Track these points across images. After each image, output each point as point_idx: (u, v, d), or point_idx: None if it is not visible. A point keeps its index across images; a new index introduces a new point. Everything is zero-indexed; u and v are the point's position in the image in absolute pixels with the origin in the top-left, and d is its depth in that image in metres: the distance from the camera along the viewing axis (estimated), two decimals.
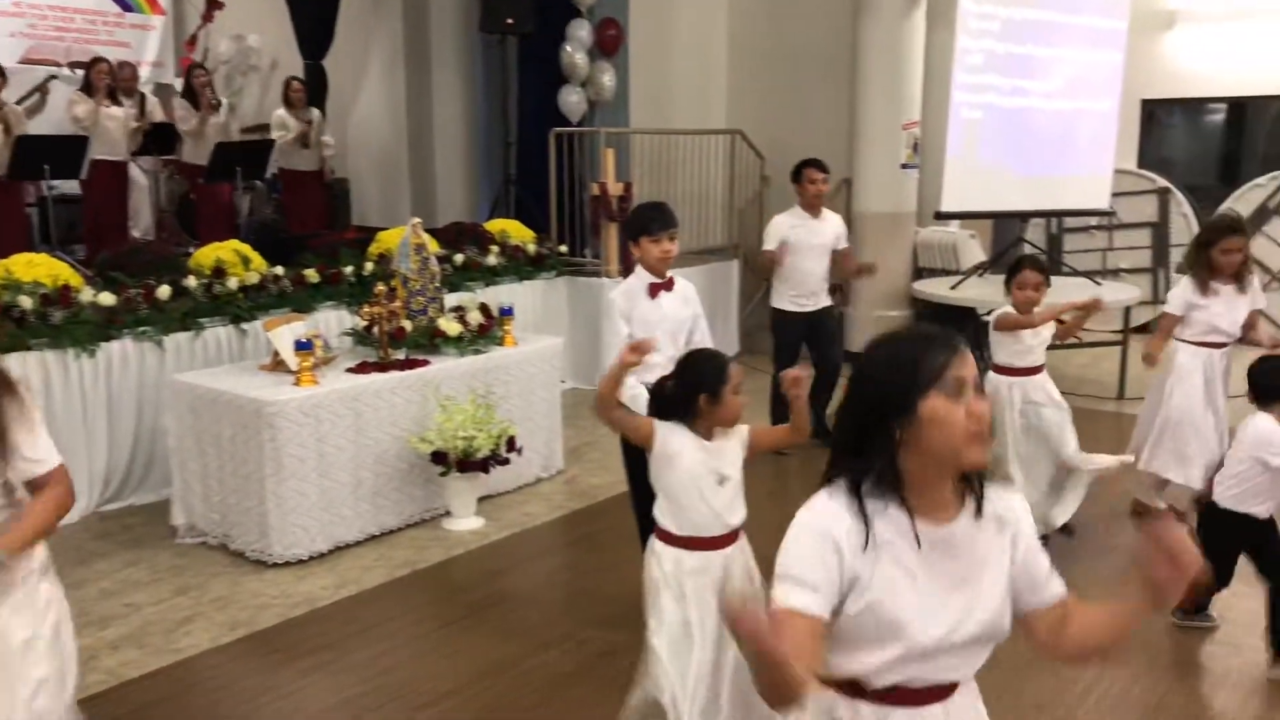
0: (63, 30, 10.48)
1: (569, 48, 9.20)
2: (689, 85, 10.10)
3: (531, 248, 7.49)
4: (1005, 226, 9.43)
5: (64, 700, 2.49)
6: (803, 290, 6.13)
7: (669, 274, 4.09)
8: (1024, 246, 8.92)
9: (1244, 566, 3.77)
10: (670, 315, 4.04)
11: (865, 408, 1.71)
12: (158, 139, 9.08)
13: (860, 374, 1.75)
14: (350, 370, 5.11)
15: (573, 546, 5.19)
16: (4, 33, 9.97)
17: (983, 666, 1.78)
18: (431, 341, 5.43)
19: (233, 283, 5.80)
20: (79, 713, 2.62)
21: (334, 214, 10.03)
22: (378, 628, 4.16)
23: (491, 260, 7.10)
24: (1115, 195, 9.05)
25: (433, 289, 5.59)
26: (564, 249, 7.85)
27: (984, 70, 7.93)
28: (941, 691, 1.75)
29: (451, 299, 6.16)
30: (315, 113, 9.43)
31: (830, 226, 6.22)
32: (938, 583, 1.70)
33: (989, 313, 8.49)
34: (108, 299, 5.37)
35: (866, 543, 1.66)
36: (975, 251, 8.75)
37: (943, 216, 8.10)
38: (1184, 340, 4.95)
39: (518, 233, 7.55)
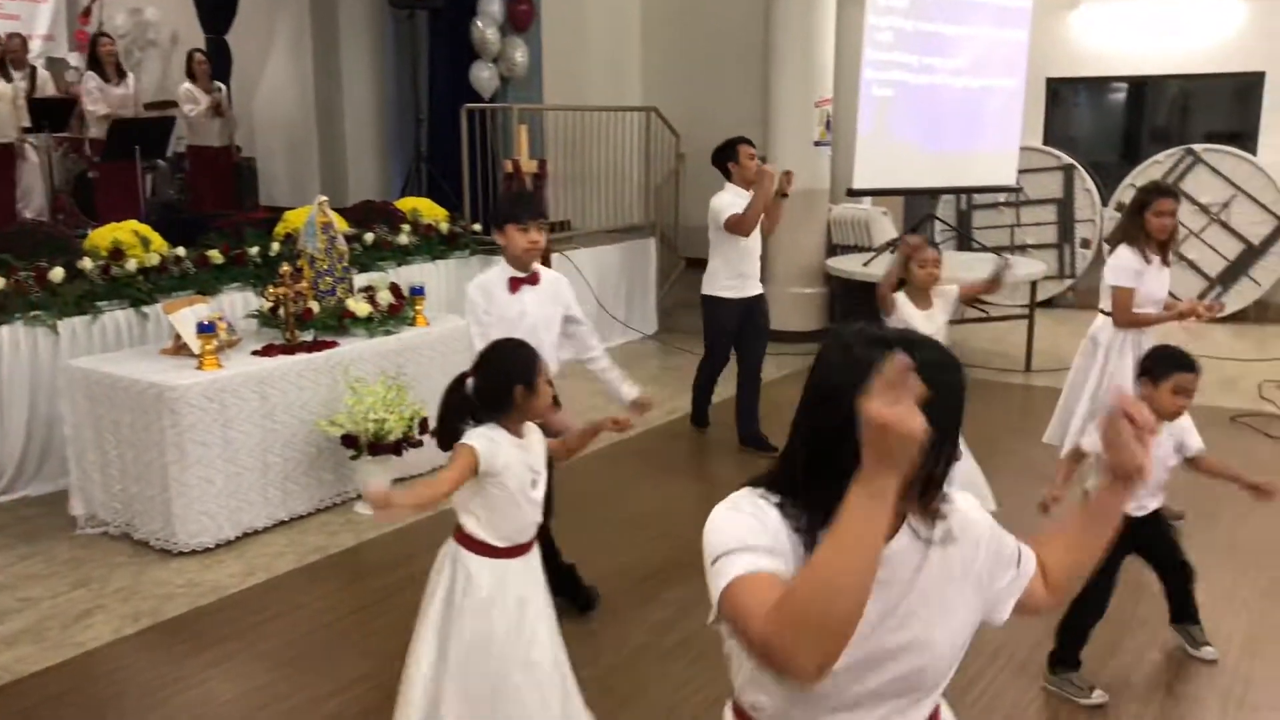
0: None
1: (480, 23, 9.08)
2: (603, 61, 10.04)
3: (444, 226, 7.38)
4: (916, 203, 9.58)
5: None
6: (742, 272, 5.80)
7: (537, 269, 3.84)
8: (934, 223, 9.08)
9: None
10: (532, 313, 3.76)
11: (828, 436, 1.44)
12: (50, 115, 8.73)
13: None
14: (256, 353, 4.98)
15: None
16: None
17: None
18: (340, 322, 5.32)
19: (131, 265, 5.61)
20: None
21: (241, 194, 9.78)
22: (288, 615, 4.07)
23: (403, 239, 6.98)
24: (1022, 172, 9.26)
25: (340, 269, 5.48)
26: (478, 228, 7.75)
27: (893, 48, 8.02)
28: None
29: (361, 279, 6.04)
30: (221, 87, 9.16)
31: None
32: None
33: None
34: None
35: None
36: (887, 228, 8.88)
37: (855, 193, 8.19)
38: (1108, 313, 4.83)
39: (430, 211, 7.43)
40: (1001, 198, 9.95)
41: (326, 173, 9.90)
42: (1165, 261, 4.77)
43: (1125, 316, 4.77)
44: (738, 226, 5.64)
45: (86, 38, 9.90)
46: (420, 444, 5.13)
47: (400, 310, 5.53)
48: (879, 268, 7.88)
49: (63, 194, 9.07)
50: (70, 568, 4.50)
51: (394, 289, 5.63)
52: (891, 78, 8.07)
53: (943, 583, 1.54)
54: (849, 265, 8.11)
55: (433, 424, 5.07)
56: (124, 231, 5.76)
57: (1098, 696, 3.41)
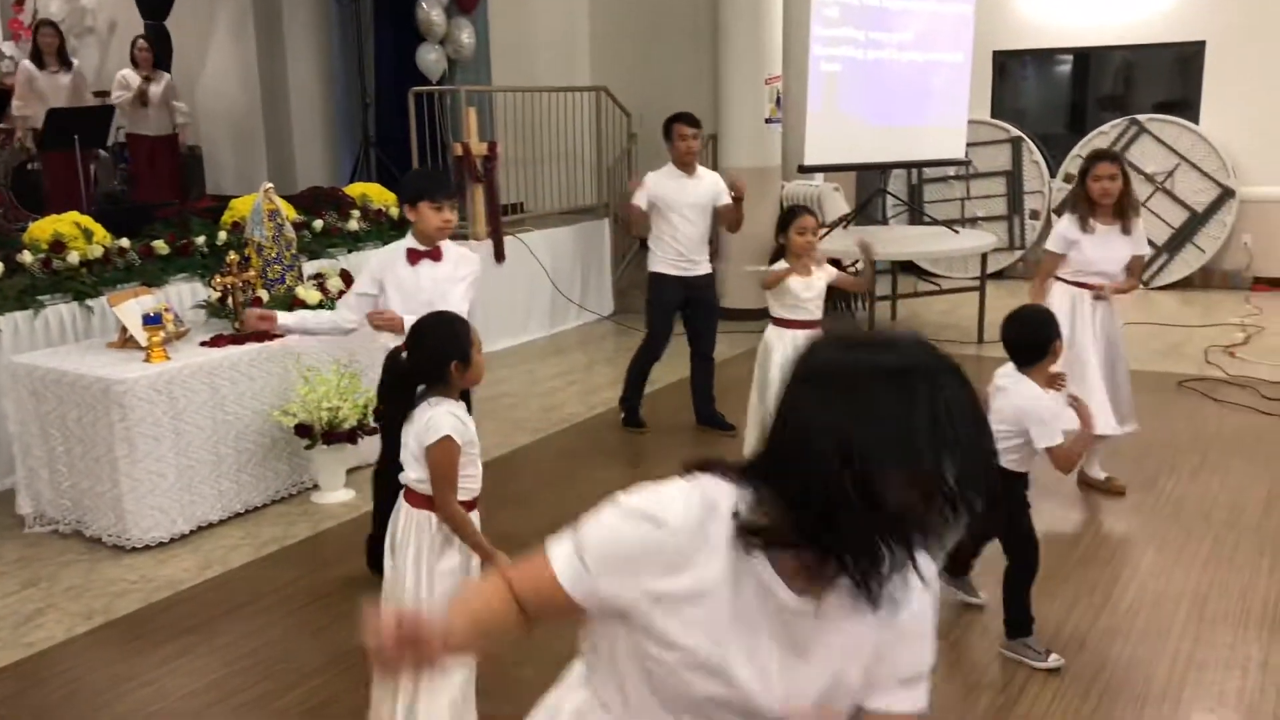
0: None
1: (425, 4, 8.97)
2: (551, 42, 9.97)
3: (395, 211, 7.29)
4: (867, 178, 9.64)
5: None
6: (678, 253, 5.76)
7: (440, 244, 3.93)
8: (885, 197, 9.14)
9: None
10: (428, 288, 3.82)
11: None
12: None
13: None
14: (204, 344, 4.91)
15: None
16: None
17: None
18: (290, 311, 5.25)
19: (74, 257, 5.50)
20: None
21: (187, 183, 9.61)
22: (245, 607, 4.03)
23: (353, 225, 6.90)
24: (971, 145, 9.34)
25: (289, 256, 5.40)
26: None
27: (840, 23, 8.05)
28: None
29: (312, 266, 5.98)
30: (165, 75, 8.98)
31: (706, 185, 5.83)
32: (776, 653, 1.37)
33: (854, 263, 8.72)
34: None
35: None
36: (839, 203, 8.91)
37: (806, 170, 8.22)
38: (1060, 279, 4.81)
39: (379, 196, 7.34)
40: (951, 171, 10.03)
41: (273, 160, 9.75)
42: (1125, 229, 4.69)
43: (1040, 277, 4.87)
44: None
45: (20, 26, 9.66)
46: (375, 431, 5.08)
47: None
48: (832, 244, 7.92)
49: (1, 187, 8.87)
50: (19, 567, 4.42)
51: (345, 276, 5.57)
52: (839, 54, 8.09)
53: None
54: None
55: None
56: (65, 224, 5.64)
57: (1053, 660, 3.46)
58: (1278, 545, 4.29)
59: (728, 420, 5.80)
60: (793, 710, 1.36)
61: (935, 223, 9.08)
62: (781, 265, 4.68)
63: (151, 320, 4.62)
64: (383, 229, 7.10)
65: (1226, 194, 9.28)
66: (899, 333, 1.31)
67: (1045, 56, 10.43)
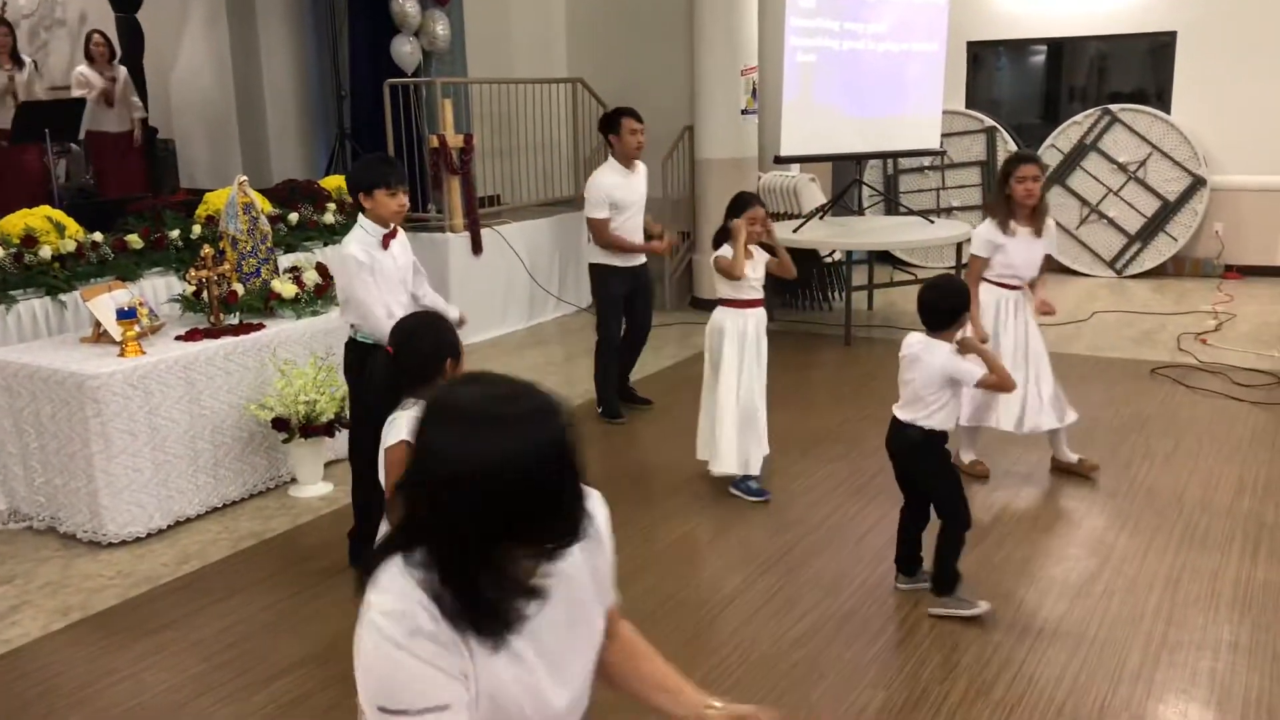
0: None
1: None
2: (527, 33, 9.94)
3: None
4: (843, 168, 9.67)
5: None
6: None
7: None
8: (861, 188, 9.17)
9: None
10: (401, 265, 4.03)
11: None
12: None
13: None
14: (180, 338, 4.89)
15: None
16: None
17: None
18: (266, 305, 5.23)
19: (46, 252, 5.45)
20: None
21: (159, 177, 9.52)
22: (223, 602, 4.02)
23: (329, 218, 6.87)
24: (945, 135, 9.39)
25: (264, 250, 5.38)
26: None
27: (816, 14, 8.06)
28: None
29: (288, 260, 5.95)
30: (122, 70, 8.89)
31: (643, 177, 5.90)
32: (552, 638, 1.41)
33: (831, 254, 8.75)
34: None
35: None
36: (816, 194, 8.94)
37: (782, 161, 8.23)
38: (985, 279, 4.94)
39: None
40: (926, 161, 10.08)
41: (248, 153, 9.66)
42: (1037, 233, 4.83)
43: (971, 283, 4.83)
44: (596, 234, 5.80)
45: None
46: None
47: (327, 290, 5.45)
48: (809, 234, 7.95)
49: None
50: None
51: (320, 269, 5.54)
52: (815, 44, 8.11)
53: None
54: (779, 232, 8.11)
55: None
56: (36, 218, 5.59)
57: (983, 605, 3.64)
58: (1248, 529, 4.35)
59: (641, 395, 6.25)
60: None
61: (911, 213, 9.12)
62: (727, 250, 4.77)
63: (126, 314, 4.59)
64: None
65: (1198, 183, 9.36)
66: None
67: (1019, 47, 10.49)
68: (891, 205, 9.90)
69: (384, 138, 8.02)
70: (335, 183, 7.33)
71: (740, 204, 4.77)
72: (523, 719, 1.36)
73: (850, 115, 8.35)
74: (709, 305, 5.13)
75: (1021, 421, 4.93)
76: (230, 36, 9.60)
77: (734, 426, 4.76)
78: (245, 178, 5.43)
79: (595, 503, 1.51)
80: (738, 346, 4.77)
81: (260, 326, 5.08)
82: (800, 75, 8.04)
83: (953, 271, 8.15)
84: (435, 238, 7.78)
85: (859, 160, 8.93)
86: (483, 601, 1.29)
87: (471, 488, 1.24)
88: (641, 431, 5.91)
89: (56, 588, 4.17)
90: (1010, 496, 4.81)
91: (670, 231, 6.16)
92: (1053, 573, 4.03)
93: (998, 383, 3.68)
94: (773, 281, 5.16)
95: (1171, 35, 9.51)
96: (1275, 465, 5.03)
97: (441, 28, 8.86)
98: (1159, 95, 9.70)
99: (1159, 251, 9.56)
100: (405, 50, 8.80)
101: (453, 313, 3.97)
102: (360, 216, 3.97)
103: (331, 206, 6.96)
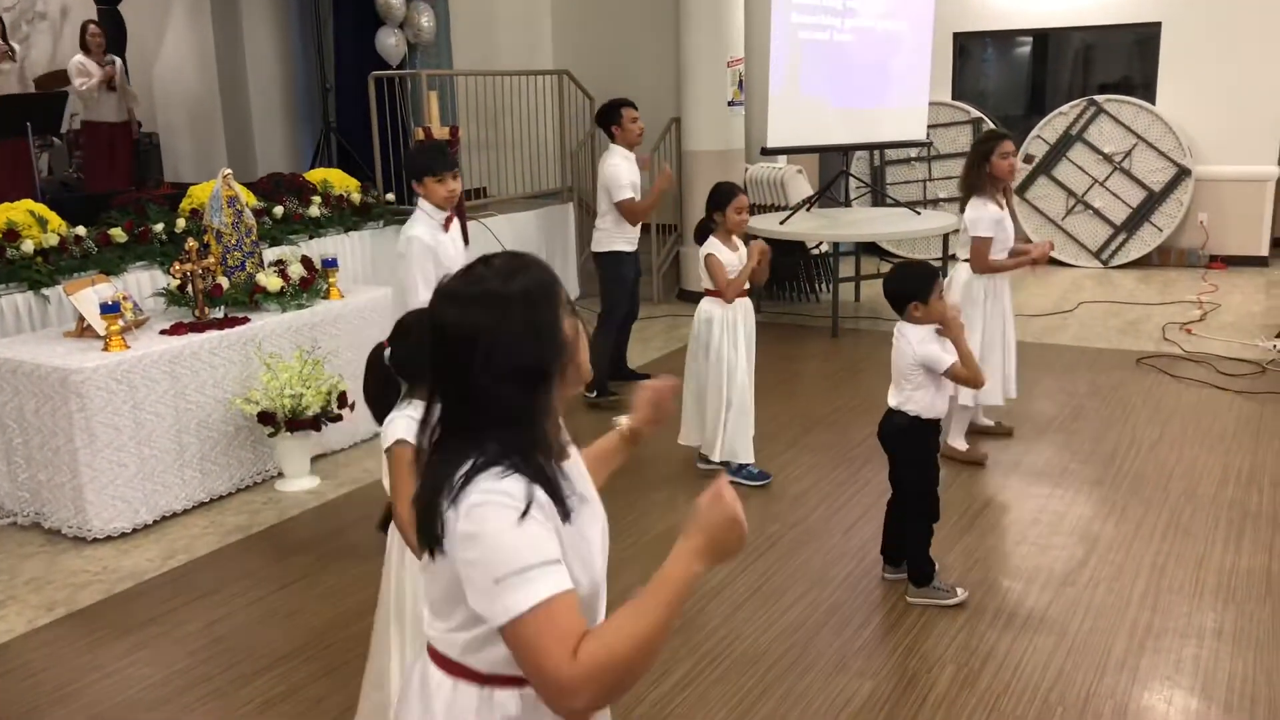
0: None
1: None
2: (513, 25, 9.91)
3: (356, 197, 7.24)
4: (830, 160, 9.68)
5: None
6: (633, 230, 6.17)
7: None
8: (847, 179, 9.17)
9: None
10: (458, 250, 4.22)
11: (517, 364, 1.47)
12: None
13: (495, 329, 1.47)
14: (164, 332, 4.86)
15: None
16: None
17: None
18: (251, 298, 5.21)
19: (28, 246, 5.41)
20: None
21: (144, 171, 9.46)
22: (209, 596, 4.01)
23: (314, 212, 6.83)
24: (932, 126, 9.40)
25: (249, 243, 5.35)
26: (391, 197, 7.62)
27: (802, 6, 8.05)
28: None
29: (273, 253, 5.92)
30: (117, 60, 8.83)
31: (636, 163, 6.23)
32: (590, 526, 1.59)
33: (818, 245, 8.75)
34: None
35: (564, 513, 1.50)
36: (802, 186, 8.94)
37: (768, 152, 8.22)
38: (969, 261, 4.99)
39: (340, 182, 7.28)
40: (913, 152, 10.09)
41: (233, 146, 9.62)
42: (1011, 206, 5.02)
43: (983, 264, 4.98)
44: (630, 215, 6.03)
45: None
46: (339, 418, 5.07)
47: (313, 283, 5.43)
48: (796, 226, 7.95)
49: None
50: None
51: (305, 262, 5.52)
52: (801, 36, 8.10)
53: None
54: (766, 224, 8.15)
55: (352, 398, 5.05)
56: (18, 212, 5.54)
57: (961, 594, 3.70)
58: (1233, 517, 4.38)
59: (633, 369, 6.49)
60: None
61: (897, 204, 9.14)
62: (722, 253, 4.79)
63: (110, 308, 4.56)
64: (344, 215, 7.05)
65: (1183, 173, 9.39)
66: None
67: (1005, 38, 10.51)
68: (878, 197, 9.90)
69: (369, 131, 7.98)
70: (320, 175, 7.29)
71: (723, 195, 4.77)
72: (583, 581, 1.51)
73: (837, 107, 8.35)
74: (696, 297, 5.14)
75: (1003, 393, 5.11)
76: (214, 29, 9.54)
77: (735, 416, 4.82)
78: (230, 171, 5.40)
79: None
80: (729, 336, 4.79)
81: (245, 320, 5.05)
82: (786, 67, 8.03)
83: (938, 261, 8.17)
84: None
85: (846, 152, 8.93)
86: (552, 478, 1.49)
87: (496, 341, 1.47)
88: None
89: (41, 583, 4.14)
90: (996, 486, 4.83)
91: (656, 158, 6.43)
92: (1038, 561, 4.05)
93: (969, 377, 3.67)
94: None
95: (1157, 26, 9.53)
96: (1259, 454, 5.06)
97: (426, 20, 8.83)
98: (1144, 86, 9.72)
99: (1144, 242, 9.60)
100: (390, 42, 8.77)
101: None
102: (420, 201, 4.23)
103: (317, 199, 6.92)
